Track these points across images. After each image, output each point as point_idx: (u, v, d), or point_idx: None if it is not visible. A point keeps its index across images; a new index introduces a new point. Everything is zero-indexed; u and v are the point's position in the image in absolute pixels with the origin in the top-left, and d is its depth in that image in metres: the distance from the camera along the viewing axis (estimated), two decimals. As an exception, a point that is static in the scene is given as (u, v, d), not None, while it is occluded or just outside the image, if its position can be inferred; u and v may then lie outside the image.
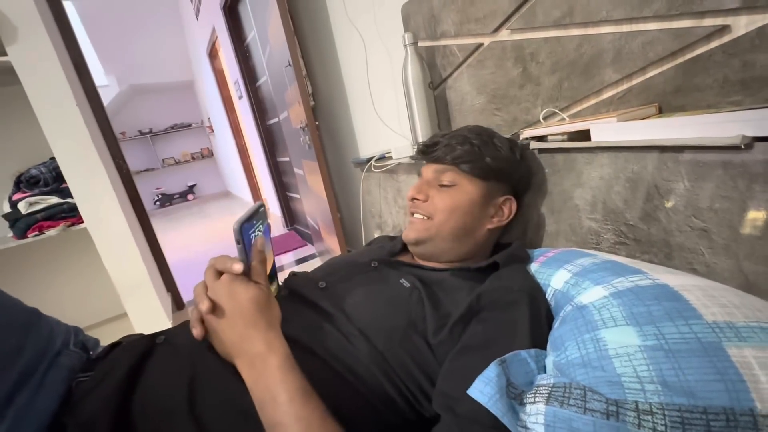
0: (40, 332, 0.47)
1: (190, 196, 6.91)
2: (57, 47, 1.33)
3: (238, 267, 0.42)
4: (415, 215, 0.66)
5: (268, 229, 0.47)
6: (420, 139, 1.05)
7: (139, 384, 0.43)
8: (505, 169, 0.65)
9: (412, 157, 0.98)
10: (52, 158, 1.47)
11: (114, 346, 0.51)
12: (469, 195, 0.63)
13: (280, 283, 0.60)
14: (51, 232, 1.36)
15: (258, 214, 0.43)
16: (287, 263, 2.53)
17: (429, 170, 0.68)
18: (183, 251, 3.30)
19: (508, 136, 0.73)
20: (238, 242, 0.41)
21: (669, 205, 0.50)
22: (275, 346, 0.42)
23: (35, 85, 1.26)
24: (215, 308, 0.42)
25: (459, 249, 0.64)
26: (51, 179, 1.45)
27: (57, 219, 1.40)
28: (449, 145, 0.65)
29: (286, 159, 2.85)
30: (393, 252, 0.68)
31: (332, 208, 1.68)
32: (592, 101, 0.67)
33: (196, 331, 0.42)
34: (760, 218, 0.41)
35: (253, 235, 0.43)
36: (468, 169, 0.64)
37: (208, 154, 7.01)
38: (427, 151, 0.68)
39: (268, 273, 0.46)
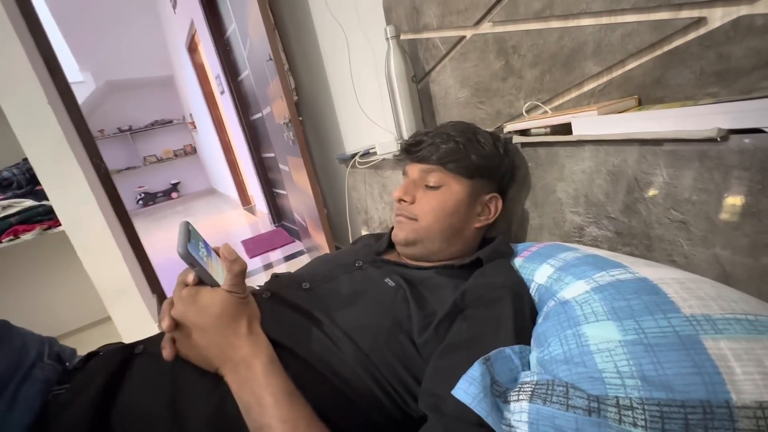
0: (11, 345, 0.45)
1: (174, 195, 6.78)
2: (25, 42, 1.28)
3: (190, 278, 0.41)
4: (402, 217, 0.65)
5: (206, 244, 0.45)
6: (405, 134, 1.05)
7: (118, 396, 0.42)
8: (491, 166, 0.65)
9: (395, 156, 0.97)
10: (25, 159, 1.42)
11: (91, 356, 0.50)
12: (456, 195, 0.63)
13: (257, 287, 0.59)
14: (27, 237, 1.32)
15: (192, 233, 0.42)
16: (275, 260, 2.51)
17: (415, 170, 0.67)
18: (169, 251, 3.24)
19: (491, 130, 0.73)
20: (193, 265, 0.40)
21: (650, 194, 0.50)
22: (258, 348, 0.42)
23: (2, 82, 1.21)
24: (181, 325, 0.41)
25: (448, 249, 0.64)
26: (24, 181, 1.40)
27: (33, 222, 1.35)
28: (434, 144, 0.64)
29: (272, 155, 2.82)
30: (378, 251, 0.68)
31: (318, 205, 1.67)
32: (574, 94, 0.67)
33: (166, 353, 0.41)
34: (736, 209, 0.42)
35: (200, 253, 0.42)
36: (454, 168, 0.63)
37: (191, 151, 6.87)
38: (411, 151, 0.67)
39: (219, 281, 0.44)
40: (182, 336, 0.41)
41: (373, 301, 0.52)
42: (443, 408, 0.37)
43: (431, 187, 0.64)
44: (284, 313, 0.50)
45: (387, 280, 0.55)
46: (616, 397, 0.30)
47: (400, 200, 0.65)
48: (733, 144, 0.40)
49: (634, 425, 0.28)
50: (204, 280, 0.42)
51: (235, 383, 0.40)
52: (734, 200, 0.41)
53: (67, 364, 0.52)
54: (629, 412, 0.29)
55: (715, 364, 0.29)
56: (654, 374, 0.30)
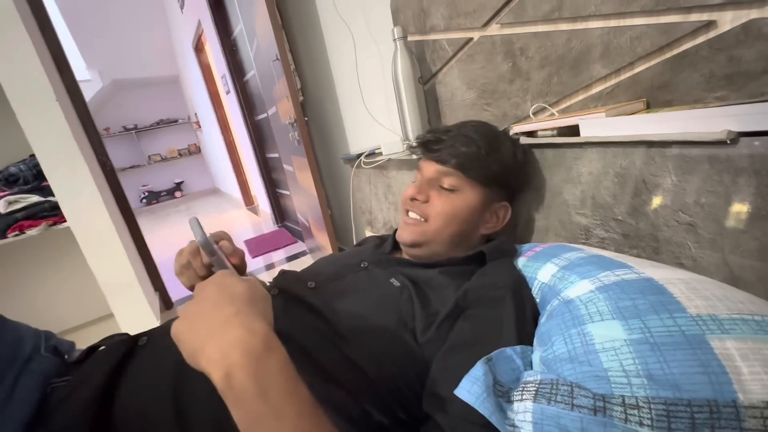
0: (5, 338, 0.45)
1: (177, 194, 6.80)
2: (35, 40, 1.29)
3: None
4: (411, 214, 0.64)
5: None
6: (410, 135, 1.05)
7: (120, 390, 0.42)
8: (509, 176, 0.65)
9: (410, 149, 0.92)
10: (32, 155, 1.43)
11: (93, 348, 0.50)
12: (469, 202, 0.62)
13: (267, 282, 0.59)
14: (32, 232, 1.33)
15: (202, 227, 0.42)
16: (278, 260, 2.51)
17: (431, 169, 0.65)
18: (171, 249, 3.24)
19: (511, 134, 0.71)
20: (212, 253, 0.40)
21: (657, 200, 0.50)
22: (274, 344, 0.31)
23: (13, 79, 1.22)
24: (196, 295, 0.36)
25: (451, 252, 0.64)
26: (31, 177, 1.41)
27: (38, 218, 1.36)
28: (454, 146, 0.62)
29: (276, 155, 2.82)
30: (384, 253, 0.68)
31: (322, 205, 1.67)
32: (581, 96, 0.67)
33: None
34: (745, 212, 0.41)
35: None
36: (472, 175, 0.62)
37: (195, 151, 6.90)
38: (430, 148, 0.65)
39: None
40: (190, 304, 0.34)
41: (379, 301, 0.52)
42: (448, 408, 0.37)
43: (445, 189, 0.63)
44: (292, 308, 0.50)
45: (392, 280, 0.55)
46: (622, 396, 0.30)
47: (413, 198, 0.64)
48: (743, 146, 0.40)
49: (640, 424, 0.28)
50: (218, 269, 0.42)
51: (231, 387, 0.30)
52: (744, 203, 0.41)
53: (66, 356, 0.51)
54: (635, 411, 0.29)
55: (722, 364, 0.29)
56: (660, 373, 0.30)
